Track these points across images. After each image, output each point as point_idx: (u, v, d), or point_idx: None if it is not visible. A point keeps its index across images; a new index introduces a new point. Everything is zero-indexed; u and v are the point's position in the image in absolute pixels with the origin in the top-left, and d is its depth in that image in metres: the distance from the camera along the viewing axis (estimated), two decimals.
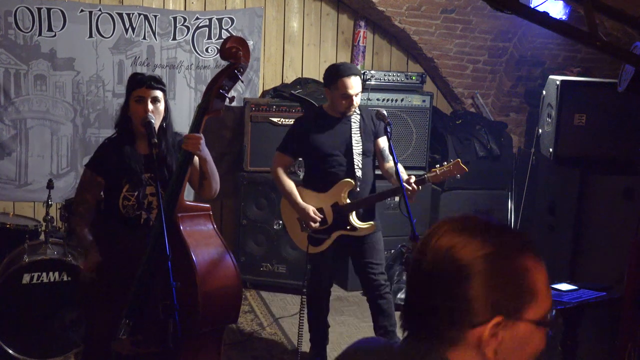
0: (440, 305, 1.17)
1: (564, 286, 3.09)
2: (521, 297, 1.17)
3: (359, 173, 3.86)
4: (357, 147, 3.87)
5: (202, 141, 2.96)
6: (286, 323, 4.84)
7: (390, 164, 3.86)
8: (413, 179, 3.64)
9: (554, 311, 1.26)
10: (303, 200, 3.94)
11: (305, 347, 4.14)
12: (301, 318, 3.98)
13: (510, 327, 1.16)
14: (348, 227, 3.90)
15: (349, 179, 3.86)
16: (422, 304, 1.21)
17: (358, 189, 3.85)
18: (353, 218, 3.90)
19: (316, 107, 4.85)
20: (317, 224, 3.88)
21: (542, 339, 1.21)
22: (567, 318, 2.90)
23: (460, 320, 1.16)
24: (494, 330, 1.16)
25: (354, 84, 3.80)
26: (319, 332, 4.13)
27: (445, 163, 3.74)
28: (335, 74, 3.85)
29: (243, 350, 4.39)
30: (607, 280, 3.28)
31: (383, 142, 3.95)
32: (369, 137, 3.94)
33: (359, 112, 3.94)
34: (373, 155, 3.98)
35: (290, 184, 4.00)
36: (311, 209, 3.90)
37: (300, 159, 4.31)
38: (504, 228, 1.23)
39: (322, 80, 5.92)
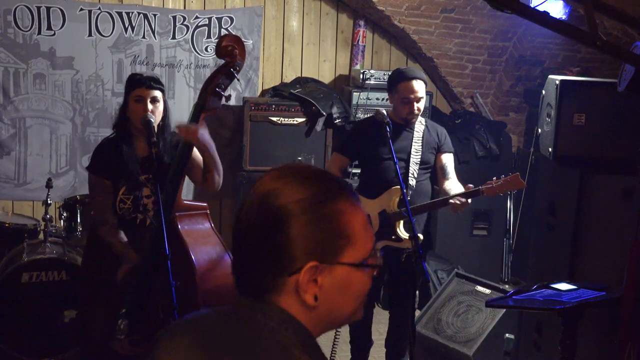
0: (260, 254, 1.16)
1: (563, 286, 3.07)
2: (335, 241, 1.16)
3: (412, 182, 3.71)
4: (415, 157, 3.73)
5: (199, 131, 2.90)
6: None
7: (449, 181, 3.75)
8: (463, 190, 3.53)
9: (382, 252, 1.26)
10: None
11: None
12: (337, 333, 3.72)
13: (328, 271, 1.16)
14: (393, 237, 3.64)
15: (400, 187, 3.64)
16: (245, 256, 1.19)
17: (409, 198, 3.57)
18: (400, 228, 3.65)
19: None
20: None
21: (364, 281, 1.21)
22: (566, 318, 2.89)
23: (280, 267, 1.15)
24: (310, 276, 1.15)
25: (415, 88, 3.65)
26: (359, 345, 3.95)
27: (503, 176, 3.53)
28: (397, 77, 3.71)
29: None
30: (607, 280, 3.28)
31: (446, 158, 3.81)
32: (430, 149, 3.79)
33: (424, 122, 3.81)
34: (433, 169, 3.83)
35: None
36: None
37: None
38: (323, 173, 1.22)
39: (321, 80, 6.00)
